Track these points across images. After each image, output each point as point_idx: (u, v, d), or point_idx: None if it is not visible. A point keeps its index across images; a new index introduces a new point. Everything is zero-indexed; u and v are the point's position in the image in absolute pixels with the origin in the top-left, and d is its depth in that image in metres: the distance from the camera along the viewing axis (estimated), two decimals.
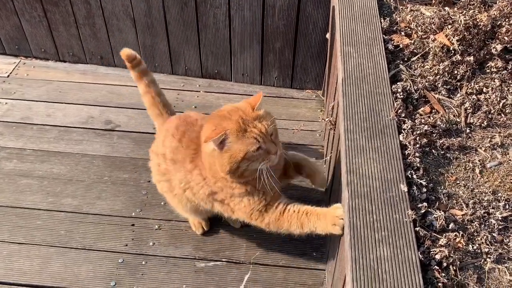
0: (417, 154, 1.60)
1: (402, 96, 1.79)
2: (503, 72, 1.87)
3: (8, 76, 3.13)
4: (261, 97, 1.73)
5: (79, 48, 3.16)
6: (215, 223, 2.32)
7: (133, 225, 2.32)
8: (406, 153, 1.61)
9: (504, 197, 1.51)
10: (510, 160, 1.61)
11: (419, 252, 1.32)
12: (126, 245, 2.24)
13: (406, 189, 1.47)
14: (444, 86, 1.87)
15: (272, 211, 1.77)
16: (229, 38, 2.92)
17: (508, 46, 1.90)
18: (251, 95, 3.25)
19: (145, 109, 2.87)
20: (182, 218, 2.35)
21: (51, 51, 3.21)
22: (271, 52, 2.94)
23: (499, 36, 1.92)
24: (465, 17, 1.95)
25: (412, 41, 2.04)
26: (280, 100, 3.04)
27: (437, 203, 1.49)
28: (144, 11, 2.87)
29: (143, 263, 2.18)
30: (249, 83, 3.14)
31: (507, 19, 1.98)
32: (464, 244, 1.38)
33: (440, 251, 1.34)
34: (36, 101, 2.96)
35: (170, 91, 3.05)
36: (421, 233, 1.37)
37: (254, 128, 1.63)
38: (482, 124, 1.73)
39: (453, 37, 1.92)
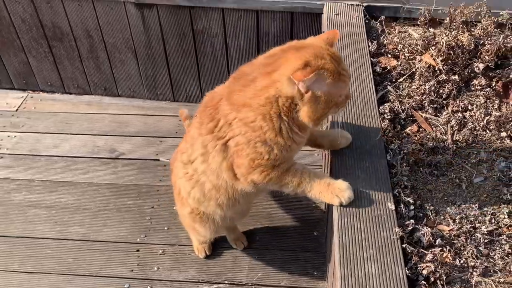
0: (404, 173, 1.66)
1: (389, 117, 1.86)
2: (487, 89, 1.94)
3: (17, 110, 3.25)
4: (337, 34, 1.55)
5: (83, 81, 3.29)
6: (217, 247, 2.38)
7: (138, 250, 2.39)
8: (394, 172, 1.67)
9: (490, 211, 1.56)
10: (495, 175, 1.66)
11: (406, 268, 1.38)
12: (132, 270, 2.31)
13: (393, 207, 1.52)
14: (431, 105, 1.93)
15: (281, 167, 1.59)
16: (226, 65, 3.02)
17: (490, 65, 1.96)
18: None
19: (147, 136, 2.98)
20: (186, 243, 2.41)
21: (57, 84, 3.34)
22: None
23: (481, 56, 1.99)
24: (448, 37, 2.02)
25: (399, 63, 2.12)
26: None
27: (425, 219, 1.55)
28: (144, 43, 2.99)
29: (149, 287, 2.23)
30: None
31: (489, 38, 2.05)
32: (451, 258, 1.43)
33: (427, 266, 1.39)
34: (44, 133, 3.07)
35: (172, 117, 3.15)
36: (408, 249, 1.42)
37: (344, 71, 1.46)
38: (468, 141, 1.79)
39: (438, 58, 2.00)
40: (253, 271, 2.29)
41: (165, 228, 2.48)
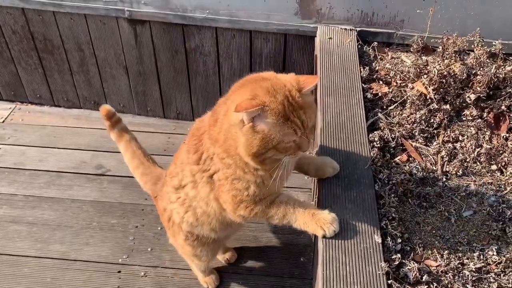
0: (392, 204, 1.63)
1: (379, 145, 1.83)
2: (478, 120, 1.92)
3: (3, 121, 3.20)
4: (316, 81, 1.46)
5: (73, 94, 3.24)
6: None
7: (119, 271, 2.32)
8: (382, 202, 1.63)
9: (479, 247, 1.52)
10: (484, 209, 1.62)
11: None
12: None
13: (380, 240, 1.48)
14: (421, 134, 1.91)
15: (265, 201, 1.59)
16: (218, 84, 3.00)
17: (482, 95, 1.95)
18: None
19: None
20: (169, 265, 2.35)
21: (46, 97, 3.29)
22: None
23: (473, 86, 1.97)
24: (440, 66, 2.01)
25: (391, 90, 2.10)
26: None
27: (412, 253, 1.51)
28: (136, 58, 2.96)
29: None
30: None
31: (481, 68, 2.04)
32: None
33: None
34: (30, 146, 3.02)
35: (161, 134, 3.11)
36: (394, 286, 1.38)
37: (297, 119, 1.38)
38: (458, 173, 1.76)
39: (429, 86, 1.98)
40: None
41: (148, 249, 2.42)
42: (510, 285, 1.41)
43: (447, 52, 2.13)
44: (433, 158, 1.83)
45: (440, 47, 2.18)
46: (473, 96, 1.93)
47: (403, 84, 2.11)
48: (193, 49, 2.86)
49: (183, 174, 1.73)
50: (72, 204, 2.66)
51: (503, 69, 2.09)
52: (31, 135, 3.10)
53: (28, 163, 2.90)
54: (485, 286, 1.41)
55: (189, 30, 2.78)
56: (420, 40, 2.28)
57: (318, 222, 1.50)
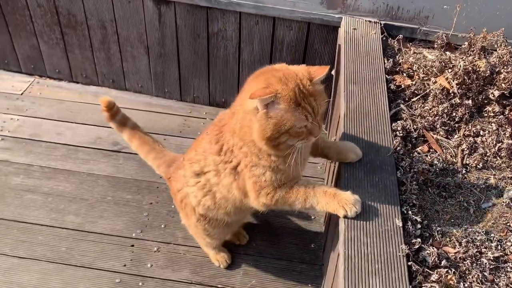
0: (413, 191, 1.65)
1: (401, 134, 1.86)
2: (500, 116, 1.94)
3: (22, 93, 3.22)
4: (326, 71, 1.53)
5: (92, 71, 3.27)
6: None
7: (132, 245, 2.36)
8: (403, 189, 1.66)
9: (497, 238, 1.55)
10: (503, 202, 1.65)
11: (411, 286, 1.36)
12: (125, 265, 2.27)
13: (401, 224, 1.51)
14: (443, 127, 1.93)
15: (284, 187, 1.65)
16: (238, 70, 3.02)
17: (505, 92, 1.97)
18: None
19: (152, 133, 2.95)
20: (181, 242, 2.38)
21: (65, 72, 3.32)
22: None
23: (497, 83, 2.00)
24: (464, 62, 2.03)
25: (414, 82, 2.12)
26: None
27: (431, 239, 1.54)
28: (157, 39, 2.98)
29: (140, 284, 2.20)
30: None
31: (505, 67, 2.06)
32: (455, 281, 1.41)
33: (431, 286, 1.37)
34: (47, 119, 3.04)
35: (177, 117, 3.14)
36: (413, 267, 1.40)
37: (308, 105, 1.47)
38: (478, 166, 1.79)
39: (453, 81, 2.00)
40: (247, 277, 2.26)
41: (162, 226, 2.45)
42: None
43: (472, 49, 2.15)
44: (454, 150, 1.85)
45: (466, 43, 2.20)
46: (497, 93, 1.96)
47: (426, 78, 2.13)
48: (215, 33, 2.88)
49: (206, 162, 1.82)
50: (87, 177, 2.69)
51: None
52: (49, 108, 3.13)
53: (45, 136, 2.93)
54: (502, 275, 1.44)
55: (213, 13, 2.80)
56: (445, 36, 2.30)
57: (340, 202, 1.53)
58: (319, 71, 1.52)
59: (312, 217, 2.57)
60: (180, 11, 2.83)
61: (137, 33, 3.00)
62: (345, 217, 1.52)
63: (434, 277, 1.38)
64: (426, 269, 1.43)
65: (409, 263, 1.41)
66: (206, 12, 2.80)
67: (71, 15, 3.00)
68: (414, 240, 1.49)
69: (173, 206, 2.54)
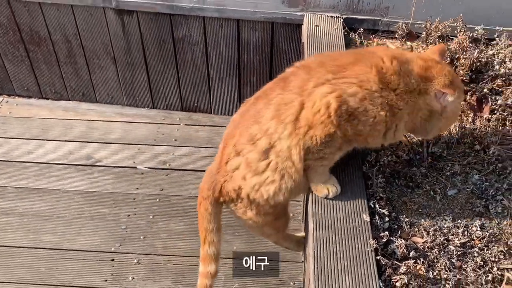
0: (380, 185, 1.67)
1: None
2: (462, 103, 1.96)
3: None
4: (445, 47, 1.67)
5: (61, 86, 3.24)
6: (195, 257, 2.35)
7: (112, 260, 2.35)
8: (370, 183, 1.68)
9: (463, 224, 1.57)
10: (468, 188, 1.68)
11: (380, 281, 1.38)
12: (106, 280, 2.26)
13: (368, 219, 1.53)
14: None
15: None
16: (207, 73, 3.02)
17: (465, 78, 2.00)
18: None
19: (125, 143, 2.94)
20: (161, 252, 2.38)
21: (34, 89, 3.28)
22: (248, 85, 3.04)
23: (457, 69, 2.02)
24: (424, 51, 2.05)
25: None
26: None
27: (399, 231, 1.56)
28: (123, 49, 2.96)
29: None
30: (228, 115, 3.20)
31: (464, 52, 2.09)
32: (424, 271, 1.44)
33: (400, 278, 1.39)
34: (18, 138, 3.01)
35: (151, 125, 3.13)
36: (382, 261, 1.42)
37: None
38: (443, 154, 1.81)
39: None
40: (229, 281, 2.27)
41: (141, 237, 2.45)
42: (493, 259, 1.47)
43: (430, 38, 2.18)
44: (418, 140, 1.87)
45: (424, 32, 2.22)
46: None
47: None
48: (181, 38, 2.87)
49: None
50: (62, 194, 2.67)
51: (485, 53, 2.14)
52: (19, 127, 3.09)
53: (17, 155, 2.90)
54: (469, 260, 1.47)
55: (177, 19, 2.79)
56: (405, 26, 2.32)
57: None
58: (443, 50, 1.66)
59: (291, 215, 2.58)
60: (143, 19, 2.82)
61: (103, 44, 2.97)
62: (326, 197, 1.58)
63: (403, 269, 1.40)
64: (395, 262, 1.44)
65: (378, 257, 1.42)
66: (170, 18, 2.79)
67: (34, 32, 2.97)
68: (382, 234, 1.51)
69: (151, 216, 2.54)
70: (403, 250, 1.47)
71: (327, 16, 2.52)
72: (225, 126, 3.39)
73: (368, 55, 1.56)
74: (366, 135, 1.53)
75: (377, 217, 1.56)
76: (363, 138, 1.55)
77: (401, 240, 1.50)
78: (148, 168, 2.81)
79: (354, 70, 1.51)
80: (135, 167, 2.82)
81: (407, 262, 1.43)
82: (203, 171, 2.75)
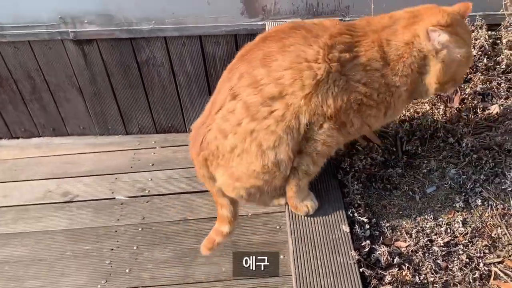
0: (357, 191, 1.63)
1: None
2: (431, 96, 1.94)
3: None
4: (470, 6, 1.50)
5: (30, 123, 3.16)
6: (185, 285, 2.29)
7: None
8: (346, 191, 1.64)
9: (445, 221, 1.54)
10: (446, 183, 1.65)
11: None
12: None
13: (348, 230, 1.49)
14: None
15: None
16: (176, 93, 2.96)
17: None
18: None
19: (101, 174, 2.87)
20: (148, 283, 2.31)
21: (3, 130, 3.20)
22: None
23: None
24: None
25: None
26: None
27: (381, 237, 1.52)
28: (88, 79, 2.90)
29: None
30: None
31: None
32: (410, 276, 1.40)
33: None
34: None
35: (126, 152, 3.06)
36: (366, 273, 1.38)
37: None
38: (418, 151, 1.78)
39: None
40: None
41: (127, 270, 2.38)
42: (478, 254, 1.43)
43: None
44: (392, 140, 1.84)
45: None
46: None
47: None
48: (145, 61, 2.82)
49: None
50: (42, 236, 2.59)
51: None
52: None
53: None
54: (455, 259, 1.43)
55: (138, 43, 2.74)
56: None
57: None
58: (466, 9, 1.49)
59: (278, 227, 2.54)
60: (104, 47, 2.76)
61: (66, 77, 2.91)
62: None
63: (388, 278, 1.36)
64: (380, 271, 1.40)
65: (361, 269, 1.38)
66: (131, 43, 2.74)
67: None
68: (363, 243, 1.47)
69: (135, 247, 2.47)
70: (386, 257, 1.43)
71: (287, 22, 2.48)
72: None
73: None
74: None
75: (357, 226, 1.52)
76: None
77: (384, 247, 1.46)
78: (127, 197, 2.74)
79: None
80: (114, 198, 2.75)
81: (391, 270, 1.39)
82: (184, 193, 2.73)
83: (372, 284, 1.37)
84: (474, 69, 2.06)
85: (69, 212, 2.71)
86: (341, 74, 1.39)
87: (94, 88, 2.95)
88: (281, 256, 2.38)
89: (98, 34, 2.68)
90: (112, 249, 2.49)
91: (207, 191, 2.80)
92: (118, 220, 2.62)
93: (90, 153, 3.08)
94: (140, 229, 2.56)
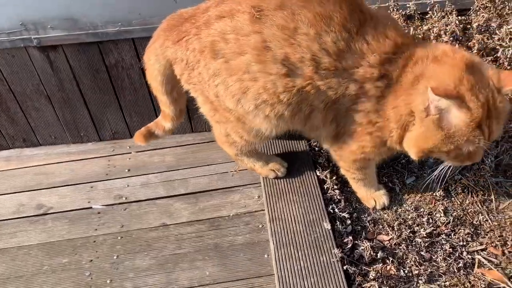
0: (336, 186, 1.60)
1: None
2: None
3: None
4: None
5: None
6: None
7: None
8: (326, 187, 1.61)
9: (426, 211, 1.52)
10: (425, 172, 1.63)
11: None
12: None
13: (329, 227, 1.46)
14: None
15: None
16: (149, 95, 2.89)
17: None
18: (185, 145, 3.19)
19: (76, 184, 2.79)
20: None
21: None
22: (194, 100, 2.93)
23: None
24: None
25: None
26: (213, 144, 3.00)
27: (364, 232, 1.49)
28: (56, 86, 2.80)
29: None
30: (180, 133, 3.11)
31: None
32: (395, 270, 1.38)
33: (371, 285, 1.32)
34: None
35: (100, 159, 2.97)
36: (350, 270, 1.35)
37: (487, 128, 1.20)
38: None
39: None
40: None
41: (108, 281, 2.31)
42: (461, 243, 1.42)
43: None
44: None
45: None
46: None
47: None
48: (114, 65, 2.74)
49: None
50: (18, 252, 2.50)
51: (421, 29, 2.11)
52: None
53: None
54: (438, 249, 1.42)
55: (106, 46, 2.65)
56: None
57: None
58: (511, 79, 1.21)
59: (260, 226, 2.50)
60: (70, 52, 2.66)
61: (33, 85, 2.80)
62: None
63: (372, 274, 1.34)
64: (364, 267, 1.38)
65: (345, 267, 1.35)
66: (98, 46, 2.65)
67: None
68: (346, 239, 1.44)
69: (115, 257, 2.40)
70: (370, 252, 1.41)
71: None
72: (180, 145, 3.28)
73: None
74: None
75: (338, 222, 1.49)
76: None
77: (366, 242, 1.44)
78: (104, 205, 2.66)
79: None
80: (91, 207, 2.67)
81: (375, 266, 1.37)
82: (162, 198, 2.67)
83: (357, 281, 1.34)
84: None
85: (44, 225, 2.62)
86: None
87: (63, 95, 2.86)
88: (265, 256, 2.35)
89: (63, 39, 2.59)
90: (91, 260, 2.41)
91: (185, 194, 2.77)
92: (96, 230, 2.54)
93: (63, 162, 2.98)
94: (119, 237, 2.49)
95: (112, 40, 2.62)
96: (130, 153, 3.01)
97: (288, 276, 1.34)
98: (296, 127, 1.44)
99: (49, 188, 2.82)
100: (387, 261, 1.39)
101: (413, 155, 1.31)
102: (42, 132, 3.06)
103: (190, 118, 3.04)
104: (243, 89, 1.38)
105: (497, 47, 2.07)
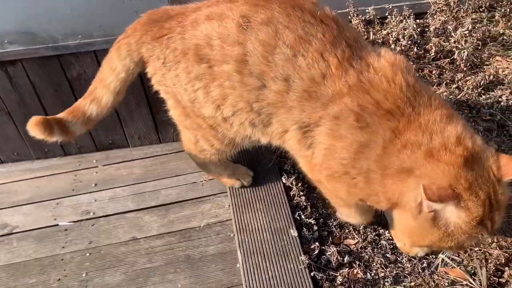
0: (302, 193, 1.61)
1: None
2: None
3: None
4: None
5: None
6: None
7: None
8: (292, 194, 1.61)
9: (390, 213, 1.54)
10: None
11: None
12: None
13: (296, 234, 1.46)
14: None
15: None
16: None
17: None
18: (153, 156, 3.14)
19: (41, 201, 2.71)
20: None
21: None
22: (162, 111, 2.90)
23: None
24: None
25: None
26: (182, 154, 2.98)
27: (330, 237, 1.51)
28: (17, 102, 2.73)
29: None
30: (148, 145, 3.07)
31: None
32: (362, 274, 1.39)
33: None
34: None
35: (66, 174, 2.90)
36: (317, 276, 1.36)
37: (489, 222, 1.10)
38: None
39: None
40: None
41: None
42: None
43: None
44: None
45: None
46: None
47: None
48: (76, 78, 2.68)
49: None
50: None
51: (381, 33, 2.15)
52: None
53: None
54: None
55: (67, 59, 2.60)
56: None
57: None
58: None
59: (231, 235, 2.49)
60: (30, 67, 2.60)
61: None
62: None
63: (339, 279, 1.35)
64: (331, 272, 1.39)
65: (312, 273, 1.36)
66: (58, 60, 2.60)
67: None
68: (313, 245, 1.45)
69: (84, 274, 2.34)
70: (336, 257, 1.42)
71: None
72: (148, 157, 3.23)
73: None
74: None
75: (305, 228, 1.50)
76: None
77: (333, 247, 1.45)
78: (71, 222, 2.60)
79: None
80: (57, 225, 2.60)
81: (342, 270, 1.38)
82: (131, 211, 2.63)
83: (325, 287, 1.35)
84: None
85: (9, 245, 2.53)
86: None
87: (24, 111, 2.78)
88: (237, 265, 2.33)
89: (21, 54, 2.52)
90: (59, 279, 2.35)
91: (155, 206, 2.72)
92: (63, 247, 2.47)
93: (27, 179, 2.90)
94: (87, 254, 2.43)
95: (73, 53, 2.57)
96: (97, 167, 2.95)
97: (257, 287, 1.34)
98: (272, 140, 1.42)
99: (13, 206, 2.73)
100: (354, 265, 1.40)
101: (405, 249, 1.28)
102: (4, 149, 2.96)
103: (157, 129, 3.01)
104: (223, 95, 1.40)
105: (454, 49, 2.14)
